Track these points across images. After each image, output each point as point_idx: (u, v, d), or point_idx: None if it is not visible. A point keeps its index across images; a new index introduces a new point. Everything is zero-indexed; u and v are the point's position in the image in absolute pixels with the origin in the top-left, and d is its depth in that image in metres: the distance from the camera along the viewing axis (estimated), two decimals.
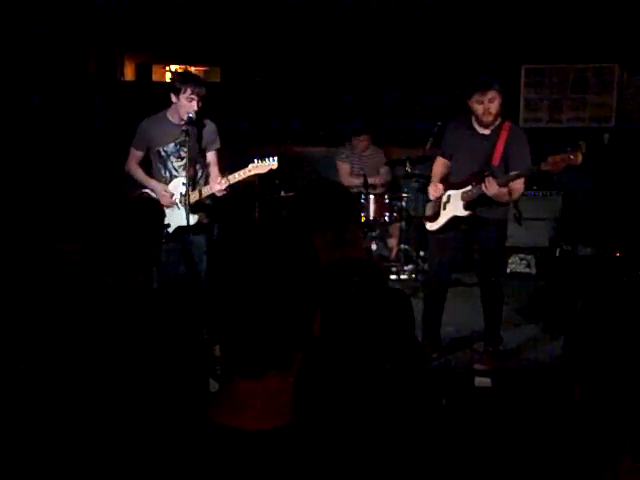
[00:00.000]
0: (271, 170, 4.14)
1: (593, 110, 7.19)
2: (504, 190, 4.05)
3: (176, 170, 4.19)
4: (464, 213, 4.19)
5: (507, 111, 6.94)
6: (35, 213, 5.16)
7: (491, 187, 3.96)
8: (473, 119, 4.17)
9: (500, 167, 4.09)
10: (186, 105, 4.02)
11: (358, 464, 1.08)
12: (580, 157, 3.78)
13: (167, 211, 4.12)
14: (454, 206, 4.24)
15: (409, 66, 7.09)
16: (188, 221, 4.01)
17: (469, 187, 4.15)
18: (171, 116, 4.14)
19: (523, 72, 7.26)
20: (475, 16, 6.84)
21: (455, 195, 4.24)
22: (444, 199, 4.30)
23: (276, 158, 4.12)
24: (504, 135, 4.12)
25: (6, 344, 1.96)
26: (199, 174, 4.28)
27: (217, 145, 4.32)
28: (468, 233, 4.29)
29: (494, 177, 3.99)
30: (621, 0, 6.59)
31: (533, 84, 7.28)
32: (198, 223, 4.18)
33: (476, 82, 4.10)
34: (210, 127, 4.26)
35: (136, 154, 4.27)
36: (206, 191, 4.17)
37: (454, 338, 4.71)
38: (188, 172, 4.03)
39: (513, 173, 4.01)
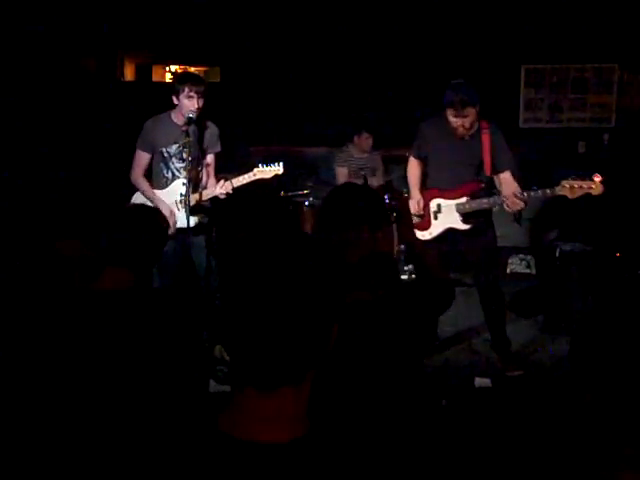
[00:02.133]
0: (276, 175, 4.15)
1: (593, 110, 7.19)
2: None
3: (178, 171, 4.18)
4: (463, 227, 4.07)
5: (507, 111, 7.05)
6: (34, 212, 5.15)
7: (517, 205, 3.86)
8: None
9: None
10: (187, 104, 4.01)
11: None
12: (600, 188, 3.69)
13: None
14: (448, 218, 4.09)
15: (409, 66, 7.09)
16: (188, 222, 4.00)
17: (464, 199, 4.03)
18: (175, 117, 4.14)
19: (523, 72, 7.26)
20: (475, 16, 6.84)
21: (448, 206, 4.08)
22: (433, 208, 4.15)
23: (281, 163, 4.14)
24: (486, 139, 3.96)
25: (5, 344, 1.96)
26: (201, 176, 4.28)
27: (217, 149, 4.32)
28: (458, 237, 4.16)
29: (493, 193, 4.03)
30: (621, 0, 6.59)
31: (533, 84, 7.28)
32: (198, 224, 4.18)
33: (452, 93, 3.86)
34: (212, 130, 4.26)
35: (143, 157, 4.18)
36: (208, 193, 4.17)
37: (453, 338, 4.71)
38: (189, 173, 4.02)
39: (539, 191, 3.86)
